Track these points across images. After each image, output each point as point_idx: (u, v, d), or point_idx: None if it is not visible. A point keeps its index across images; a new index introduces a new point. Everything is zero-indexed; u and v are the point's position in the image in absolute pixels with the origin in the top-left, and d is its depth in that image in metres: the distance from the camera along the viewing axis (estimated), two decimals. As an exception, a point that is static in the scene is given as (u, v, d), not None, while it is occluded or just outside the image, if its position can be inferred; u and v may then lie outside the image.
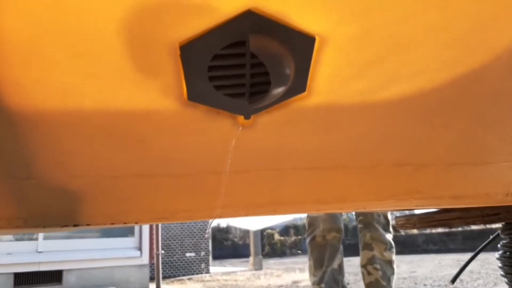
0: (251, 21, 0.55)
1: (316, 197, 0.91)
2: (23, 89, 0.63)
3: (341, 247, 3.13)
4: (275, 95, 0.66)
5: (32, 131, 0.71)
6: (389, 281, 2.99)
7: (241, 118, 0.74)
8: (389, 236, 3.07)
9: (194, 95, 0.67)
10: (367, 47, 0.61)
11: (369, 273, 2.98)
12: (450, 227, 1.80)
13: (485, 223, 1.66)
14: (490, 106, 0.77)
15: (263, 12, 0.54)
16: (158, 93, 0.65)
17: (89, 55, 0.57)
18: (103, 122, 0.70)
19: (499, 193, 0.95)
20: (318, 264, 3.03)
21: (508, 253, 1.73)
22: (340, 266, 3.10)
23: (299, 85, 0.67)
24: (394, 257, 3.06)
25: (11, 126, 0.70)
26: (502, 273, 1.84)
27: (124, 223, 0.92)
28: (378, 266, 2.98)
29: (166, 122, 0.71)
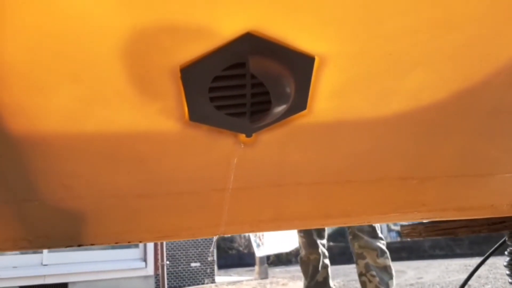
0: (251, 43, 0.55)
1: (321, 212, 0.91)
2: (26, 114, 0.63)
3: (326, 262, 3.29)
4: (276, 114, 0.66)
5: (35, 154, 0.72)
6: (387, 286, 3.01)
7: (242, 136, 0.74)
8: (379, 242, 3.10)
9: (196, 116, 0.67)
10: (367, 65, 0.61)
11: (369, 281, 3.02)
12: (456, 236, 1.79)
13: (491, 231, 1.65)
14: (492, 120, 0.76)
15: (262, 34, 0.55)
16: (159, 115, 0.65)
17: (89, 80, 0.57)
18: (105, 144, 0.70)
19: (504, 204, 0.94)
20: (305, 277, 3.31)
21: (516, 261, 1.72)
22: (325, 279, 3.27)
23: (300, 103, 0.67)
24: (390, 262, 3.08)
25: (14, 149, 0.70)
26: (510, 280, 1.82)
27: (128, 242, 0.92)
28: (374, 273, 3.02)
29: (168, 142, 0.72)
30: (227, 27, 0.53)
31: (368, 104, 0.69)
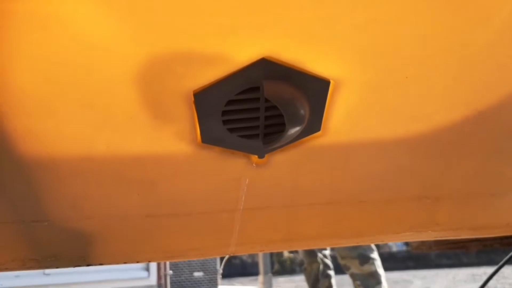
0: (265, 68, 0.54)
1: (332, 232, 0.89)
2: (37, 138, 0.63)
3: (328, 272, 3.27)
4: (290, 136, 0.65)
5: (44, 176, 0.71)
6: None
7: (255, 157, 0.73)
8: (362, 249, 3.05)
9: (208, 138, 0.66)
10: (383, 89, 0.60)
11: None
12: (467, 250, 1.76)
13: (503, 246, 1.62)
14: (506, 140, 0.75)
15: (277, 60, 0.54)
16: (172, 137, 0.64)
17: (101, 105, 0.57)
18: (115, 166, 0.69)
19: (520, 223, 0.92)
20: (308, 286, 3.30)
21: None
22: (328, 287, 3.25)
23: (314, 125, 0.66)
24: (377, 268, 3.01)
25: (24, 171, 0.70)
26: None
27: (137, 262, 0.91)
28: (359, 283, 2.98)
29: (179, 164, 0.71)
30: (242, 54, 0.52)
31: (383, 126, 0.68)
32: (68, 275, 7.28)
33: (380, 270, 3.02)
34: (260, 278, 14.92)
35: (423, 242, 1.90)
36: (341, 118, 0.66)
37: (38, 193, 0.74)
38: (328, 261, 3.28)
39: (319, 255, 3.20)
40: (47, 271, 7.20)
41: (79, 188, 0.74)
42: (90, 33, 0.48)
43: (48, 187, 0.73)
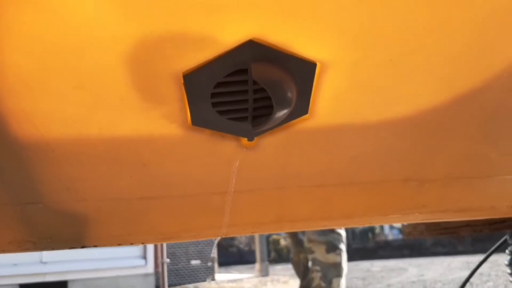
0: (253, 50, 0.56)
1: (322, 214, 0.92)
2: (31, 120, 0.64)
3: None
4: (278, 118, 0.66)
5: (39, 158, 0.72)
6: (330, 283, 2.87)
7: (244, 140, 0.74)
8: (331, 236, 2.94)
9: (198, 120, 0.67)
10: (368, 71, 0.62)
11: (312, 278, 2.89)
12: (457, 235, 1.80)
13: (492, 231, 1.66)
14: (492, 123, 0.77)
15: (265, 41, 0.55)
16: (163, 119, 0.66)
17: (93, 86, 0.58)
18: (108, 149, 0.71)
19: (504, 205, 0.95)
20: (299, 277, 3.26)
21: (517, 259, 1.72)
22: None
23: (301, 107, 0.68)
24: (342, 260, 2.87)
25: (18, 154, 0.71)
26: (511, 279, 1.83)
27: (131, 244, 0.93)
28: (318, 268, 2.88)
29: (171, 146, 0.72)
30: (230, 35, 0.53)
31: (370, 108, 0.70)
32: (65, 263, 7.33)
33: (345, 264, 2.90)
34: (257, 266, 15.06)
35: (414, 228, 1.93)
36: (328, 101, 0.67)
37: (32, 175, 0.76)
38: None
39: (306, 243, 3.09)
40: (45, 259, 7.24)
41: (73, 170, 0.75)
42: (81, 15, 0.49)
43: (43, 169, 0.74)
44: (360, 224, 0.95)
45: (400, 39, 0.58)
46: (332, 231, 2.94)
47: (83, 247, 0.92)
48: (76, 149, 0.70)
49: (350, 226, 1.00)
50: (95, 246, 0.92)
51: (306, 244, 2.97)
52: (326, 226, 0.94)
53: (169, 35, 0.52)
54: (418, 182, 0.87)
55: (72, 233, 0.88)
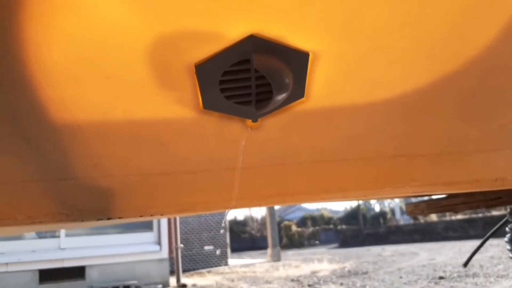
0: (254, 43, 0.66)
1: (320, 187, 1.02)
2: (65, 105, 0.75)
3: None
4: (277, 101, 0.77)
5: (71, 139, 0.84)
6: None
7: (249, 122, 0.85)
8: None
9: (209, 104, 0.78)
10: (355, 59, 0.72)
11: None
12: (456, 212, 1.89)
13: (488, 207, 1.74)
14: (471, 102, 0.86)
15: (264, 36, 0.65)
16: (178, 104, 0.77)
17: (118, 76, 0.69)
18: (130, 130, 0.82)
19: (487, 179, 1.04)
20: None
21: (516, 236, 1.80)
22: None
23: (298, 92, 0.78)
24: None
25: (54, 135, 0.82)
26: (511, 255, 1.92)
27: (151, 215, 1.05)
28: None
29: (185, 127, 0.83)
30: (234, 31, 0.63)
31: (358, 92, 0.79)
32: (83, 250, 7.56)
33: None
34: (269, 251, 15.30)
35: (416, 206, 2.03)
36: (321, 86, 0.77)
37: (65, 154, 0.87)
38: None
39: None
40: (63, 245, 7.49)
41: (100, 149, 0.87)
42: (107, 17, 0.60)
43: (74, 149, 0.86)
44: (356, 197, 1.05)
45: (381, 31, 0.67)
46: None
47: (109, 218, 1.04)
48: (103, 130, 0.81)
49: (347, 199, 1.10)
50: (119, 217, 1.04)
51: None
52: (325, 199, 1.04)
53: (183, 32, 0.62)
54: (407, 158, 0.97)
55: (99, 206, 1.00)
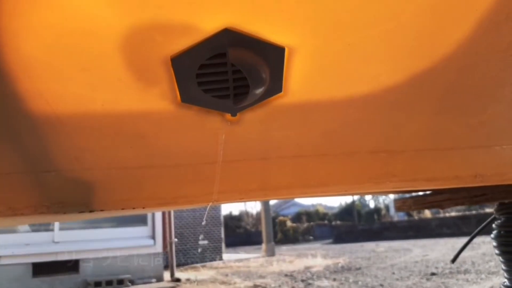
0: (228, 37, 0.66)
1: (301, 182, 1.03)
2: (44, 97, 0.76)
3: None
4: (255, 96, 0.77)
5: (51, 131, 0.84)
6: None
7: (228, 116, 0.85)
8: None
9: (187, 98, 0.78)
10: (330, 54, 0.72)
11: None
12: (442, 208, 1.91)
13: (472, 203, 1.76)
14: (449, 100, 0.87)
15: (238, 30, 0.66)
16: (156, 97, 0.77)
17: (95, 69, 0.69)
18: (110, 123, 0.82)
19: (467, 175, 1.05)
20: None
21: (502, 232, 1.81)
22: None
23: (276, 86, 0.78)
24: None
25: (34, 127, 0.83)
26: (497, 251, 1.93)
27: (133, 208, 1.05)
28: None
29: (164, 121, 0.83)
30: (208, 24, 0.64)
31: (335, 87, 0.80)
32: (76, 243, 7.56)
33: None
34: (264, 246, 15.35)
35: (404, 203, 2.04)
36: (298, 80, 0.78)
37: (46, 146, 0.88)
38: None
39: None
40: (57, 239, 7.49)
41: (80, 141, 0.87)
42: (82, 9, 0.60)
43: (54, 141, 0.86)
44: (337, 192, 1.06)
45: (355, 27, 0.68)
46: None
47: (91, 211, 1.04)
48: (82, 123, 0.82)
49: (328, 194, 1.11)
50: (101, 210, 1.04)
51: None
52: (307, 194, 1.05)
53: (157, 24, 0.62)
54: (387, 154, 0.98)
55: (81, 198, 1.00)
